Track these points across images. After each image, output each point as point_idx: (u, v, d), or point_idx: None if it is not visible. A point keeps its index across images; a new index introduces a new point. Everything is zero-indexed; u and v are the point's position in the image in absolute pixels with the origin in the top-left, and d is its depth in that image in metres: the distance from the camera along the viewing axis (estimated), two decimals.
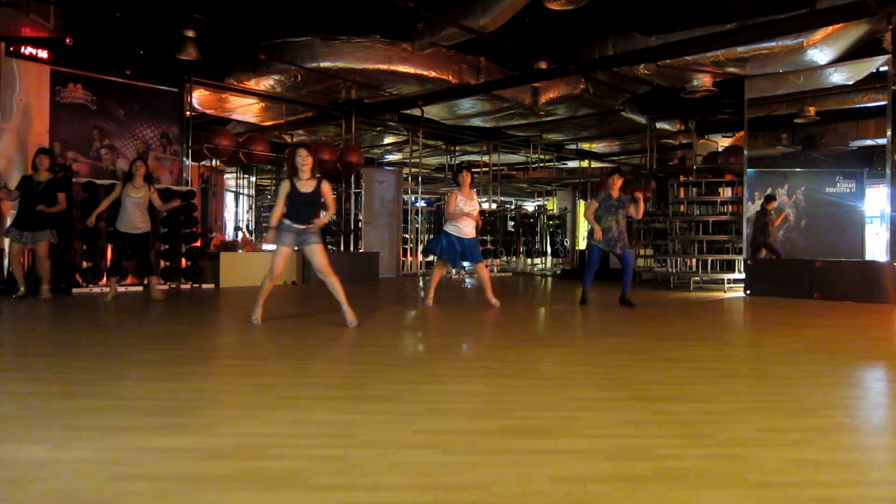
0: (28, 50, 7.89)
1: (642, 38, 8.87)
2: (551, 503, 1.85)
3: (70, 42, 8.31)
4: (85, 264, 7.96)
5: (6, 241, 7.13)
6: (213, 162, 12.69)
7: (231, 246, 10.51)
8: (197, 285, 8.75)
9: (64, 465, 2.06)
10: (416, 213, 13.85)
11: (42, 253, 6.88)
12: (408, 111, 12.00)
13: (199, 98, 10.70)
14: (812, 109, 11.12)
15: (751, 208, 9.82)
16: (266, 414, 2.71)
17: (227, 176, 16.00)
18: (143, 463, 2.10)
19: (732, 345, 5.03)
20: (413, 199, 13.77)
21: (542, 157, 16.86)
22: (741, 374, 3.81)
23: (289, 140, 14.49)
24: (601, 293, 8.19)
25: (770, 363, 4.09)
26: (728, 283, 9.81)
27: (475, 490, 1.91)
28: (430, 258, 13.95)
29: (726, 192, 10.84)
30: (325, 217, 5.27)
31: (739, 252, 9.95)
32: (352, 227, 12.11)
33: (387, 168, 15.77)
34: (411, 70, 9.45)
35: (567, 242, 16.89)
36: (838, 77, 9.10)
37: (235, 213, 17.59)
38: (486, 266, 7.21)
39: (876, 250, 11.77)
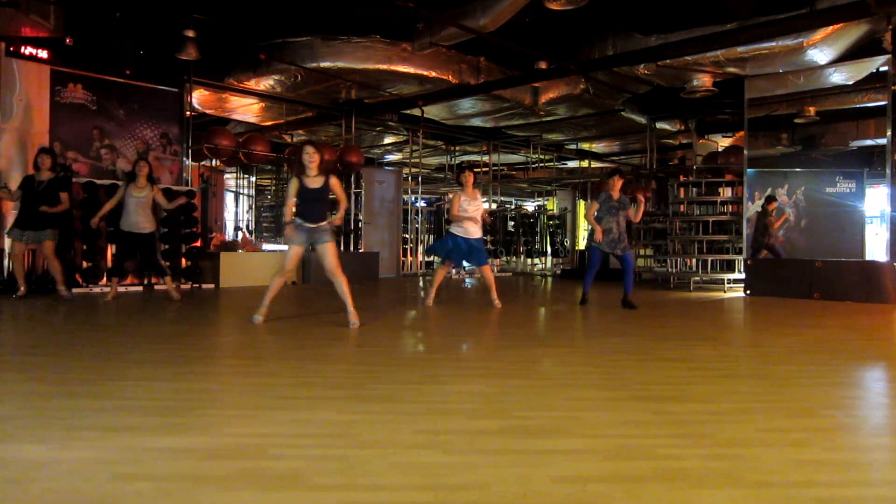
0: (28, 50, 7.89)
1: (642, 38, 8.87)
2: (551, 503, 1.85)
3: (70, 42, 8.31)
4: (85, 264, 7.96)
5: (6, 242, 7.13)
6: (213, 162, 12.69)
7: (231, 246, 10.51)
8: (197, 285, 8.75)
9: (64, 465, 2.06)
10: (416, 213, 13.85)
11: (49, 252, 6.87)
12: (408, 111, 11.99)
13: (199, 98, 10.70)
14: (812, 109, 11.12)
15: (751, 208, 9.82)
16: (266, 414, 2.72)
17: (227, 176, 15.99)
18: (143, 463, 2.10)
19: (732, 345, 5.03)
20: (413, 199, 13.77)
21: (542, 157, 16.86)
22: (741, 374, 3.81)
23: (289, 140, 14.49)
24: (601, 293, 8.19)
25: (770, 363, 4.09)
26: (728, 283, 9.81)
27: (475, 490, 1.92)
28: (431, 258, 13.99)
29: (726, 192, 10.84)
30: (340, 213, 5.27)
31: (739, 252, 9.94)
32: (352, 227, 12.11)
33: (387, 168, 15.77)
34: (411, 70, 9.45)
35: (567, 242, 16.89)
36: (838, 77, 9.10)
37: (235, 213, 17.59)
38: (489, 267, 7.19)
39: (876, 250, 11.77)
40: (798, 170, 10.93)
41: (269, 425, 2.55)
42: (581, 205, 17.90)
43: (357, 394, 3.12)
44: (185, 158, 9.50)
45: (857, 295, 8.03)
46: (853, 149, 13.30)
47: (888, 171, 8.74)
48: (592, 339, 5.27)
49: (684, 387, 3.32)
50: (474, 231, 6.78)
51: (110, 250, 8.27)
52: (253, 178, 17.69)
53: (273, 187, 18.76)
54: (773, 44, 8.03)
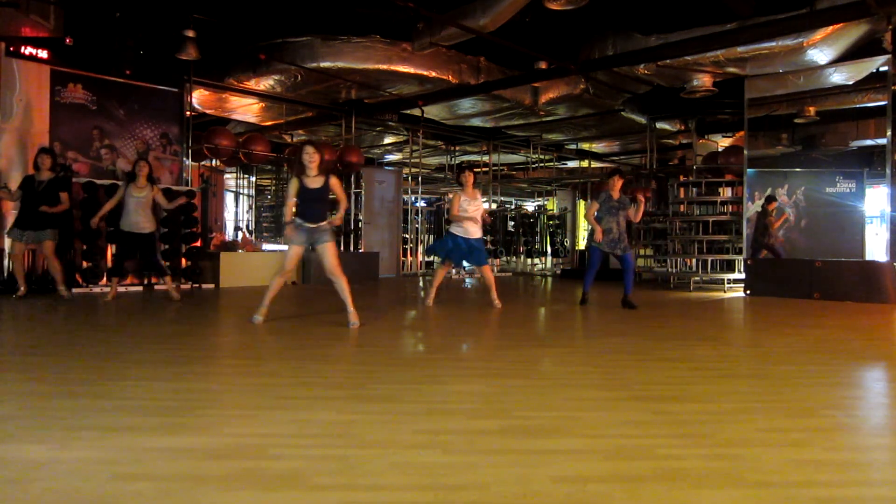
0: (28, 50, 7.89)
1: (642, 38, 8.87)
2: (551, 503, 1.85)
3: (70, 42, 8.31)
4: (85, 264, 7.96)
5: (6, 242, 7.13)
6: (213, 162, 12.69)
7: (231, 246, 10.51)
8: (197, 285, 8.75)
9: (64, 465, 2.06)
10: (416, 213, 13.85)
11: (49, 253, 6.87)
12: (408, 111, 11.99)
13: (199, 98, 10.70)
14: (812, 109, 11.12)
15: (751, 208, 9.82)
16: (266, 414, 2.71)
17: (227, 176, 15.99)
18: (143, 463, 2.10)
19: (732, 345, 5.03)
20: (413, 199, 13.77)
21: (542, 157, 16.86)
22: (741, 374, 3.81)
23: (289, 140, 14.49)
24: (601, 293, 8.19)
25: (770, 363, 4.09)
26: (728, 283, 9.81)
27: (475, 490, 1.92)
28: (431, 258, 13.99)
29: (726, 192, 10.84)
30: (340, 213, 5.28)
31: (739, 252, 9.94)
32: (352, 227, 12.11)
33: (387, 168, 15.77)
34: (411, 70, 9.45)
35: (567, 242, 16.89)
36: (838, 77, 9.10)
37: (235, 213, 17.59)
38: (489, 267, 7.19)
39: (876, 250, 11.77)
40: (798, 170, 10.93)
41: (269, 425, 2.55)
42: (581, 205, 17.90)
43: (357, 394, 3.12)
44: (185, 158, 9.50)
45: (857, 295, 8.03)
46: (853, 149, 13.30)
47: (888, 171, 8.74)
48: (592, 339, 5.27)
49: (684, 387, 3.32)
50: (474, 231, 6.78)
51: (110, 250, 8.27)
52: (253, 178, 17.69)
53: (273, 187, 18.76)
54: (773, 44, 8.03)
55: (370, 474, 2.03)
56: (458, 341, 4.96)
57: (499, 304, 6.85)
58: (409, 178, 13.81)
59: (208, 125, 11.63)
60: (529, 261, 15.73)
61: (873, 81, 9.40)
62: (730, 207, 10.53)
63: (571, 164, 18.16)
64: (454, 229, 6.82)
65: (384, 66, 9.31)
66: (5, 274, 7.50)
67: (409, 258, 13.44)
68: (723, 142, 14.13)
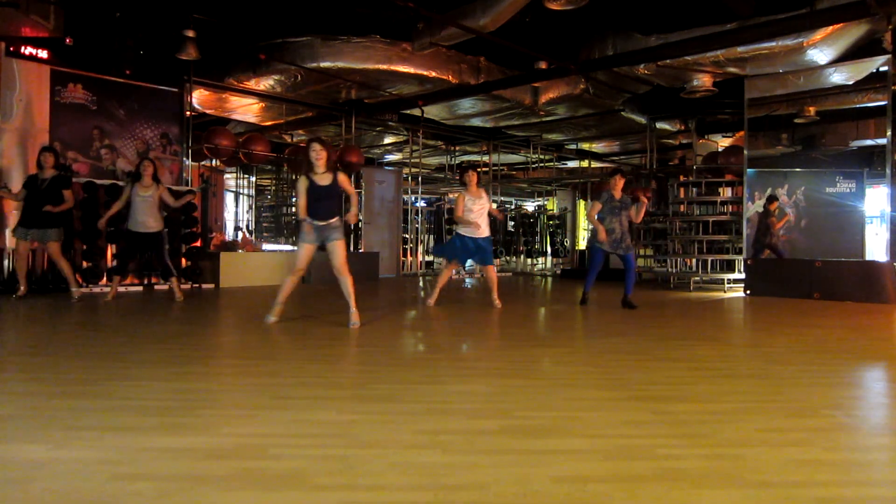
0: (28, 50, 7.89)
1: (642, 38, 8.87)
2: (551, 503, 1.85)
3: (70, 42, 8.31)
4: (85, 264, 7.96)
5: (7, 240, 7.13)
6: (213, 162, 12.69)
7: (231, 246, 10.51)
8: (197, 285, 8.75)
9: (64, 465, 2.06)
10: (416, 213, 13.85)
11: (55, 254, 6.86)
12: (408, 111, 11.99)
13: (199, 98, 10.70)
14: (812, 109, 11.12)
15: (751, 208, 9.82)
16: (266, 414, 2.71)
17: (227, 176, 16.00)
18: (143, 463, 2.10)
19: (732, 345, 5.03)
20: (413, 199, 13.78)
21: (542, 157, 16.86)
22: (741, 374, 3.81)
23: (289, 140, 14.49)
24: (601, 293, 8.19)
25: (770, 363, 4.09)
26: (728, 283, 9.81)
27: (475, 490, 1.92)
28: (431, 258, 13.99)
29: (726, 192, 10.84)
30: (354, 210, 5.28)
31: (739, 252, 9.95)
32: (352, 227, 12.11)
33: (387, 168, 15.77)
34: (411, 70, 9.45)
35: (567, 242, 16.90)
36: (838, 77, 9.10)
37: (235, 213, 17.60)
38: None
39: (876, 250, 11.77)
40: (798, 170, 10.93)
41: (269, 425, 2.55)
42: (581, 205, 17.90)
43: (357, 394, 3.12)
44: (185, 158, 9.50)
45: (857, 295, 8.03)
46: (853, 149, 13.30)
47: (888, 171, 8.74)
48: (592, 339, 5.27)
49: (684, 387, 3.32)
50: (481, 230, 6.79)
51: (110, 250, 8.27)
52: (253, 178, 17.69)
53: (273, 187, 18.77)
54: (773, 44, 8.03)
55: (370, 474, 2.03)
56: (458, 341, 4.96)
57: (499, 304, 6.86)
58: (409, 178, 13.81)
59: (208, 125, 11.63)
60: (529, 261, 15.73)
61: (873, 81, 9.40)
62: (730, 207, 10.53)
63: (571, 164, 18.16)
64: (461, 230, 6.83)
65: (384, 66, 9.31)
66: (5, 274, 7.50)
67: (409, 258, 13.45)
68: (723, 142, 14.14)
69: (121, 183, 8.13)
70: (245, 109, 11.75)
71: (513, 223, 15.67)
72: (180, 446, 2.26)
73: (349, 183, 5.31)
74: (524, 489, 1.92)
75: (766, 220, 9.52)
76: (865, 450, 2.46)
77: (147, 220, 6.80)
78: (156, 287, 8.33)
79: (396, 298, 8.14)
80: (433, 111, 11.88)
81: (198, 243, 8.95)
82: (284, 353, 4.30)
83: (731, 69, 8.92)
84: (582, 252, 15.84)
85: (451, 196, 16.48)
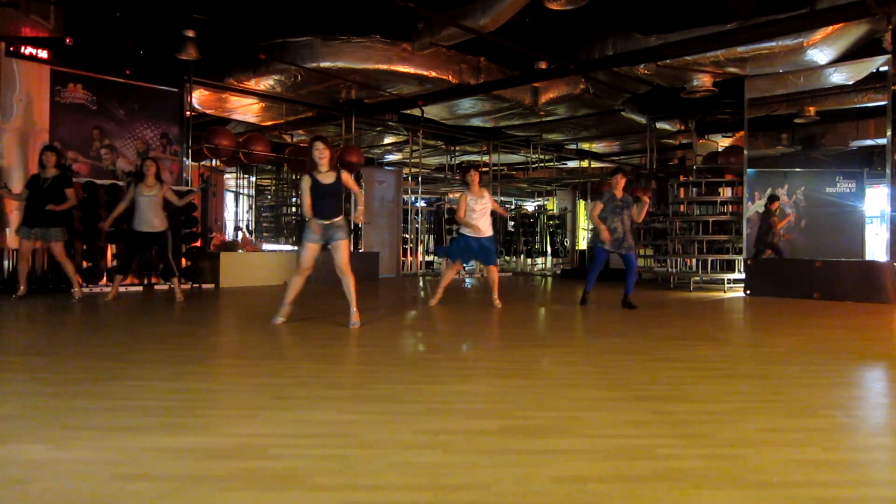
0: (28, 50, 7.89)
1: (642, 38, 8.87)
2: (551, 503, 1.85)
3: (70, 42, 8.31)
4: (85, 264, 7.96)
5: (7, 239, 7.13)
6: (213, 162, 12.69)
7: (231, 246, 10.51)
8: (197, 285, 8.75)
9: (64, 465, 2.06)
10: (416, 213, 13.85)
11: (59, 254, 6.85)
12: (408, 111, 11.99)
13: (199, 98, 10.70)
14: (812, 109, 11.12)
15: (751, 208, 9.82)
16: (266, 414, 2.71)
17: (227, 176, 16.00)
18: (143, 463, 2.10)
19: (732, 345, 5.03)
20: (413, 199, 13.78)
21: (542, 157, 16.86)
22: (741, 374, 3.81)
23: (289, 140, 14.49)
24: (601, 293, 8.19)
25: (770, 363, 4.09)
26: (728, 283, 9.81)
27: (475, 490, 1.92)
28: (432, 258, 13.99)
29: (726, 192, 10.84)
30: (361, 209, 5.27)
31: (739, 252, 9.95)
32: (352, 227, 12.11)
33: (387, 168, 15.77)
34: (411, 70, 9.45)
35: (567, 242, 16.90)
36: (838, 77, 9.10)
37: (235, 213, 17.60)
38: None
39: (876, 250, 11.77)
40: (798, 170, 10.93)
41: (269, 425, 2.55)
42: (581, 205, 17.90)
43: (357, 394, 3.12)
44: (185, 158, 9.50)
45: (857, 295, 8.03)
46: (853, 149, 13.30)
47: (888, 171, 8.74)
48: (592, 339, 5.27)
49: (684, 387, 3.32)
50: (484, 230, 6.79)
51: (110, 250, 8.27)
52: (253, 178, 17.69)
53: (273, 187, 18.77)
54: (773, 44, 8.03)
55: (370, 474, 2.03)
56: (458, 341, 4.96)
57: (499, 304, 6.86)
58: (409, 178, 13.81)
59: (208, 125, 11.63)
60: (529, 261, 15.73)
61: (873, 81, 9.40)
62: (730, 207, 10.54)
63: (571, 164, 18.16)
64: (465, 231, 6.83)
65: (384, 66, 9.31)
66: (5, 274, 7.49)
67: (409, 258, 13.45)
68: (723, 142, 14.13)
69: (120, 183, 8.13)
70: (245, 109, 11.76)
71: (513, 223, 15.67)
72: (180, 446, 2.26)
73: (353, 181, 5.30)
74: (524, 489, 1.92)
75: (768, 220, 9.51)
76: (865, 450, 2.46)
77: (153, 219, 6.81)
78: (156, 287, 8.33)
79: (396, 298, 8.14)
80: (433, 111, 11.88)
81: (198, 243, 8.95)
82: (284, 353, 4.30)
83: (731, 69, 8.92)
84: (582, 252, 15.84)
85: (451, 196, 16.49)
